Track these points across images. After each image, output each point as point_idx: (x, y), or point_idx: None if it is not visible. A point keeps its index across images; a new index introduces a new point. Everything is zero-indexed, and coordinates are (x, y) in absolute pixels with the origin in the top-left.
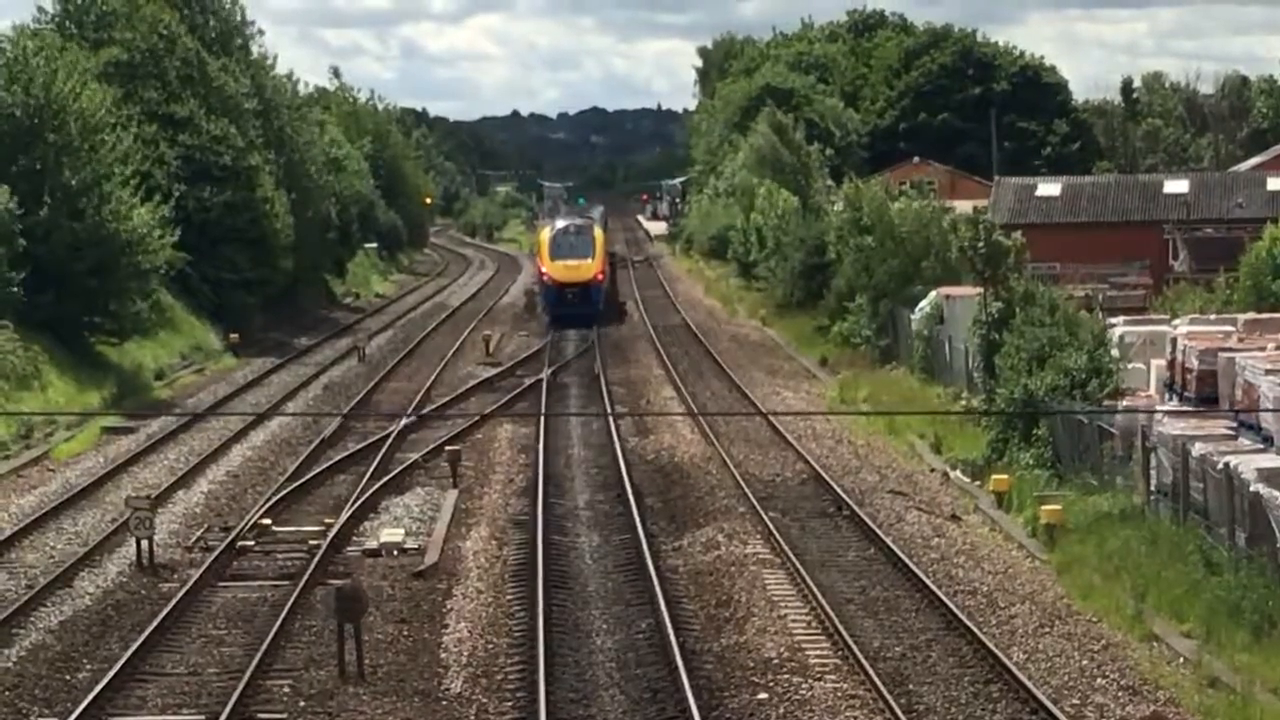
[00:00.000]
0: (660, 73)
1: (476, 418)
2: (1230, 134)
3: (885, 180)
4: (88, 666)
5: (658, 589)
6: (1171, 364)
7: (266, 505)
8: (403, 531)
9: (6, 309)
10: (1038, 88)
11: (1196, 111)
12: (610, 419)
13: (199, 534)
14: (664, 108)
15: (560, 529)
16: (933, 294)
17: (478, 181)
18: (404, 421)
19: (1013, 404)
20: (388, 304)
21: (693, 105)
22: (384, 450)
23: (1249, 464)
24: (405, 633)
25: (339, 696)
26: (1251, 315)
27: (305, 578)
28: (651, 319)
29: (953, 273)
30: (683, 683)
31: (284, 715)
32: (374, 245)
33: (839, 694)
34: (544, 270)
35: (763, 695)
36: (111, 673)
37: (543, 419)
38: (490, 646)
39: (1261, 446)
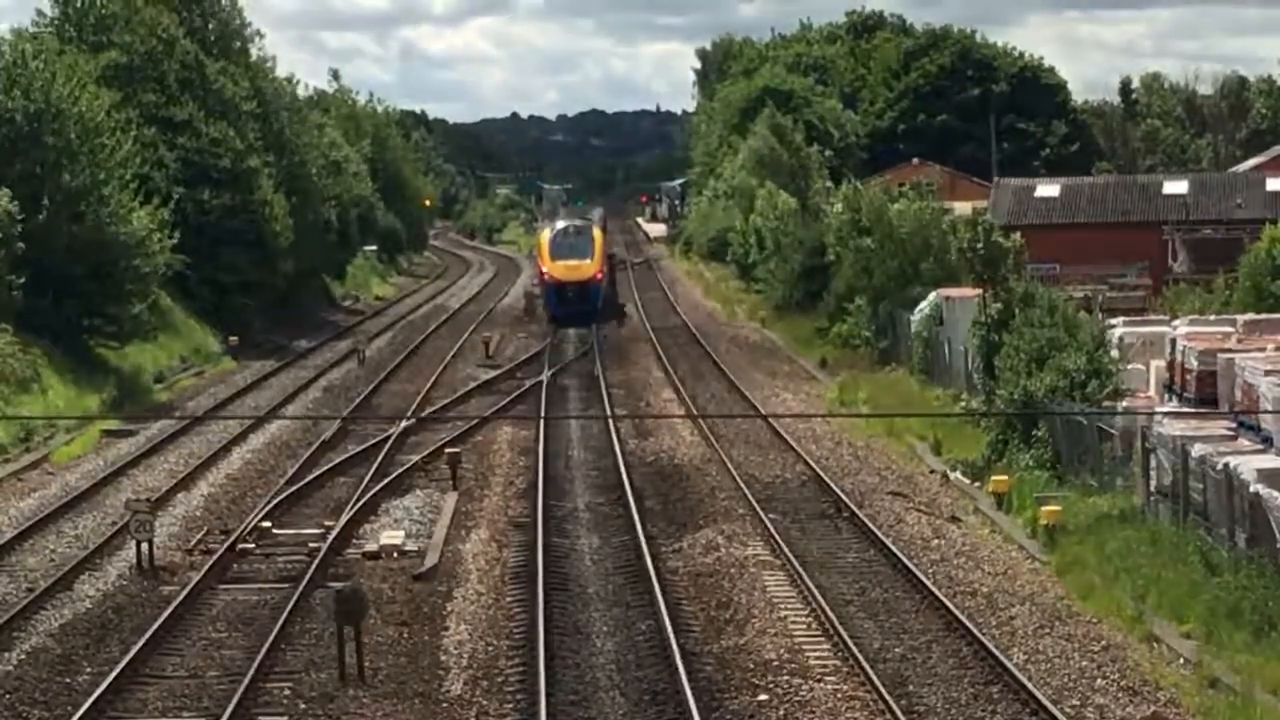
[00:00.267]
0: (659, 74)
1: (476, 420)
2: (1229, 135)
3: (884, 181)
4: (88, 670)
5: (658, 591)
6: (1171, 365)
7: (266, 508)
8: (403, 534)
9: (6, 312)
10: (1037, 89)
11: (1195, 112)
12: (610, 421)
13: (199, 537)
14: (663, 109)
15: (560, 531)
16: (932, 295)
17: (477, 184)
18: (403, 424)
19: (1012, 405)
20: (387, 306)
21: (692, 107)
22: (384, 453)
23: (1248, 465)
24: (405, 635)
25: (339, 699)
26: (1251, 316)
27: (305, 580)
28: (651, 321)
29: (952, 274)
30: (683, 684)
31: (284, 718)
32: (373, 248)
33: (839, 695)
34: (544, 270)
35: (763, 696)
36: (111, 676)
37: (542, 421)
38: (490, 649)
39: (1261, 447)
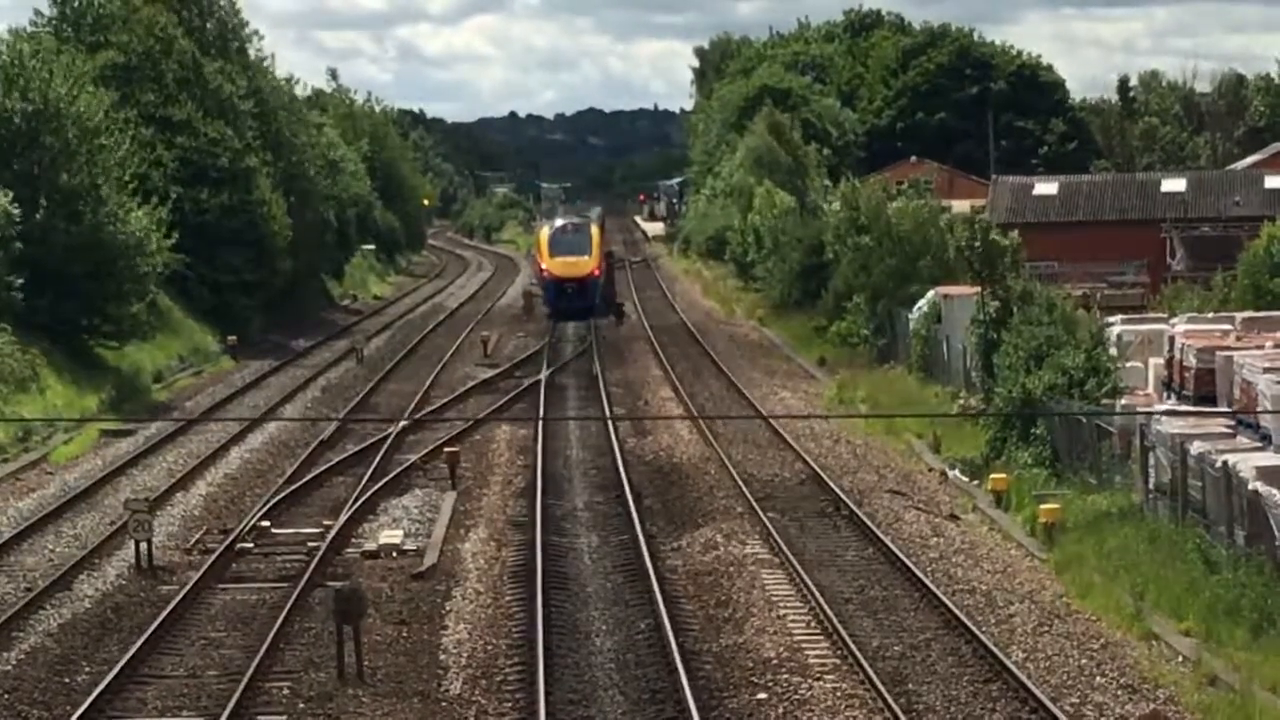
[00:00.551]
0: (657, 73)
1: (474, 420)
2: (1227, 132)
3: (883, 180)
4: (87, 669)
5: (656, 590)
6: (1169, 363)
7: (265, 507)
8: (401, 533)
9: (5, 312)
10: (1035, 87)
11: (1193, 110)
12: (609, 421)
13: (198, 536)
14: (661, 108)
15: (559, 530)
16: (930, 293)
17: (475, 183)
18: (401, 424)
19: (1011, 403)
20: (385, 306)
21: (690, 106)
22: (382, 452)
23: (1247, 462)
24: (404, 634)
25: (338, 698)
26: (1249, 314)
27: (304, 580)
28: (650, 320)
29: (950, 272)
30: (682, 683)
31: (283, 717)
32: (372, 247)
33: (838, 694)
34: (543, 266)
35: (762, 695)
36: (110, 675)
37: (541, 420)
38: (489, 648)
39: (1259, 445)
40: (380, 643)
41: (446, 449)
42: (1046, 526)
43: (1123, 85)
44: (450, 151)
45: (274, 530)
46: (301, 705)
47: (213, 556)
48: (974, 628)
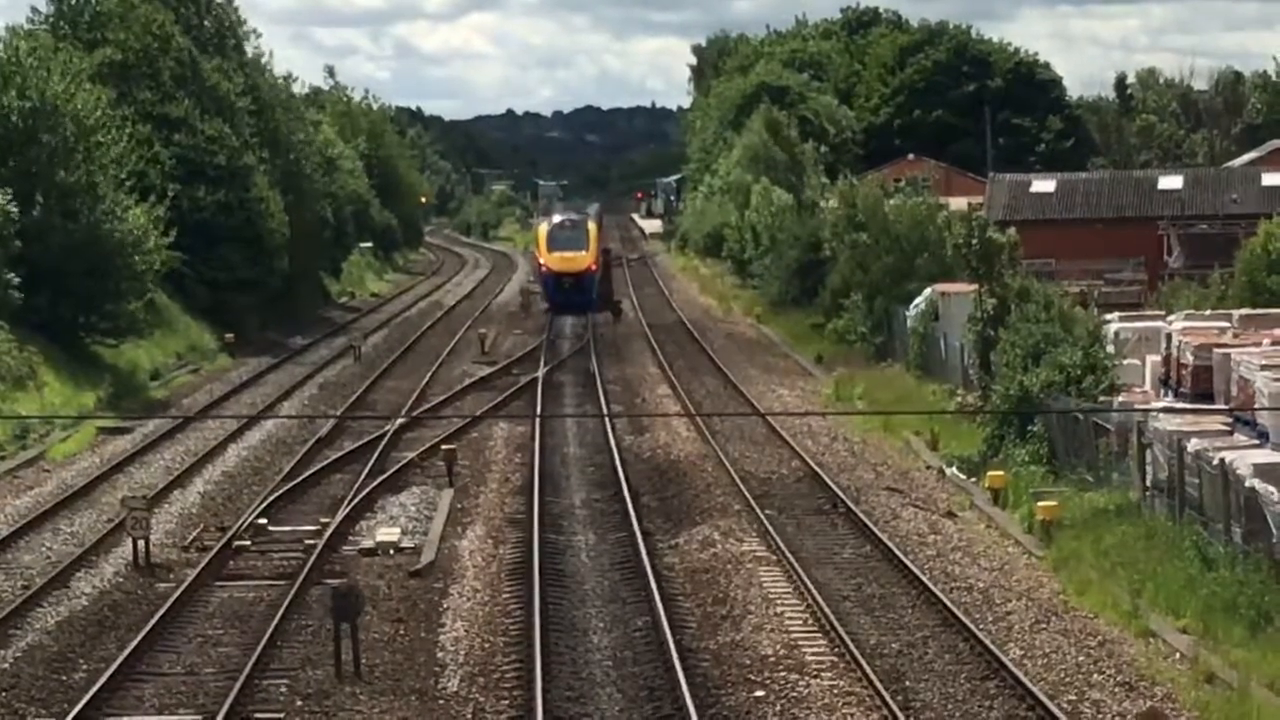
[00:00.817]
0: (655, 71)
1: (472, 417)
2: (1225, 130)
3: (880, 177)
4: (84, 666)
5: (654, 587)
6: (1167, 360)
7: (262, 505)
8: (399, 530)
9: (2, 310)
10: (1032, 84)
11: (1191, 107)
12: (606, 418)
13: (195, 534)
14: (658, 106)
15: (556, 527)
16: (928, 291)
17: (473, 180)
18: (399, 421)
19: (1008, 401)
20: (383, 303)
21: (687, 103)
22: (380, 449)
23: (1244, 459)
24: (402, 632)
25: (336, 696)
26: (1247, 311)
27: (301, 577)
28: (647, 317)
29: (948, 270)
30: (679, 680)
31: (281, 715)
32: (369, 245)
33: (835, 691)
34: (542, 261)
35: (759, 692)
36: (108, 673)
37: (538, 418)
38: (487, 645)
39: (1257, 442)
40: (378, 640)
41: (444, 446)
42: (1044, 524)
43: (1120, 83)
44: (447, 149)
45: (271, 528)
46: (299, 703)
47: (210, 554)
48: (971, 625)
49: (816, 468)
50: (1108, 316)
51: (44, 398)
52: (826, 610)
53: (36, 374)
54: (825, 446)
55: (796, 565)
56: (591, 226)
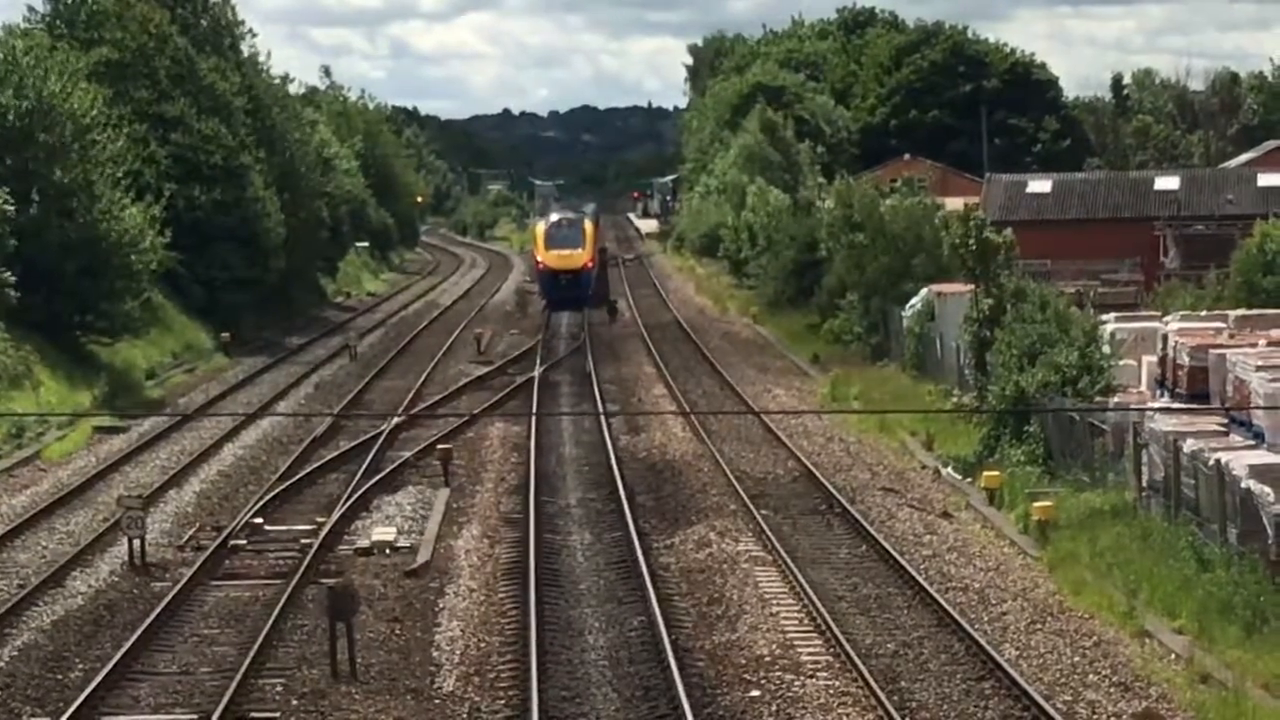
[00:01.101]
0: (651, 71)
1: (468, 416)
2: (1221, 130)
3: (876, 178)
4: (80, 666)
5: (649, 587)
6: (1163, 361)
7: (258, 504)
8: (394, 530)
9: None
10: (1028, 85)
11: (1187, 108)
12: (602, 418)
13: (191, 533)
14: (655, 106)
15: (552, 527)
16: (924, 291)
17: (469, 180)
18: (394, 420)
19: (1004, 401)
20: (379, 303)
21: (684, 103)
22: (375, 449)
23: (1240, 460)
24: (397, 631)
25: (331, 695)
26: (1242, 312)
27: (297, 576)
28: (643, 317)
29: (944, 270)
30: (675, 680)
31: (276, 714)
32: (365, 244)
33: (831, 691)
34: (539, 259)
35: (755, 692)
36: (104, 672)
37: (534, 417)
38: (483, 645)
39: (1252, 443)
40: (373, 640)
41: (440, 446)
42: (1039, 524)
43: (1116, 83)
44: (444, 149)
45: (267, 527)
46: (294, 702)
47: (206, 553)
48: (967, 625)
49: (812, 468)
50: (1104, 317)
51: (40, 397)
52: (822, 610)
53: (32, 373)
54: (821, 446)
55: (792, 565)
56: (588, 225)
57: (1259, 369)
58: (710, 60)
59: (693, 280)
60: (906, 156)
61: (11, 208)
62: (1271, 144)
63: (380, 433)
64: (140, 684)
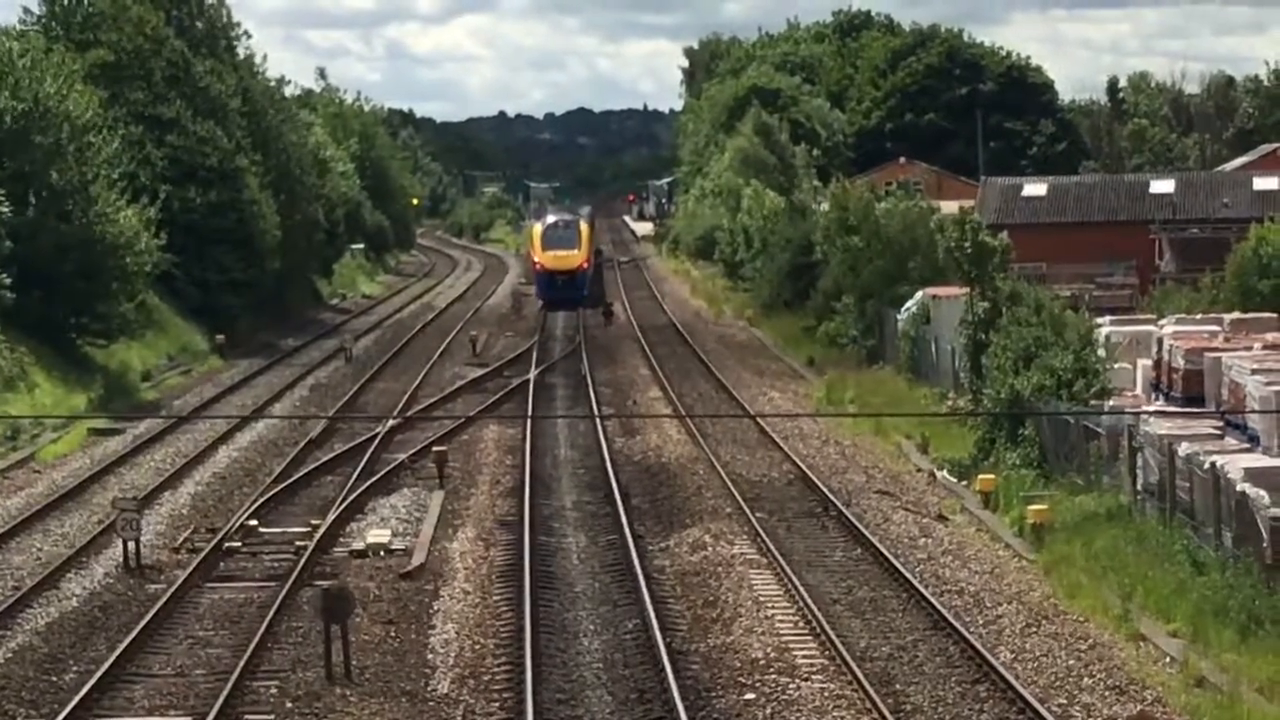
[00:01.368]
0: (646, 73)
1: (463, 419)
2: (1216, 134)
3: (871, 181)
4: (74, 668)
5: (644, 589)
6: (1158, 364)
7: (253, 506)
8: (389, 532)
9: None
10: (1024, 88)
11: (1182, 111)
12: (598, 420)
13: (185, 535)
14: (650, 108)
15: (547, 529)
16: (919, 294)
17: (464, 182)
18: (390, 422)
19: (999, 404)
20: (374, 305)
21: (679, 106)
22: (370, 451)
23: (1235, 464)
24: (392, 634)
25: (326, 697)
26: (1237, 315)
27: (292, 579)
28: (638, 320)
29: (939, 273)
30: (670, 683)
31: (271, 716)
32: (361, 246)
33: (826, 694)
34: (536, 260)
35: (750, 695)
36: (98, 674)
37: (529, 420)
38: (477, 647)
39: (1247, 446)
40: (368, 642)
41: (435, 448)
42: (1035, 527)
43: (1112, 86)
44: (439, 151)
45: (262, 529)
46: (289, 705)
47: (201, 555)
48: (962, 628)
49: (807, 470)
50: (1099, 320)
51: (35, 398)
52: (817, 613)
53: (28, 374)
54: (816, 449)
55: (787, 568)
56: (584, 227)
57: (1254, 372)
58: (706, 63)
59: (688, 283)
60: (902, 159)
61: (8, 209)
62: (1267, 147)
63: (375, 435)
64: (135, 686)
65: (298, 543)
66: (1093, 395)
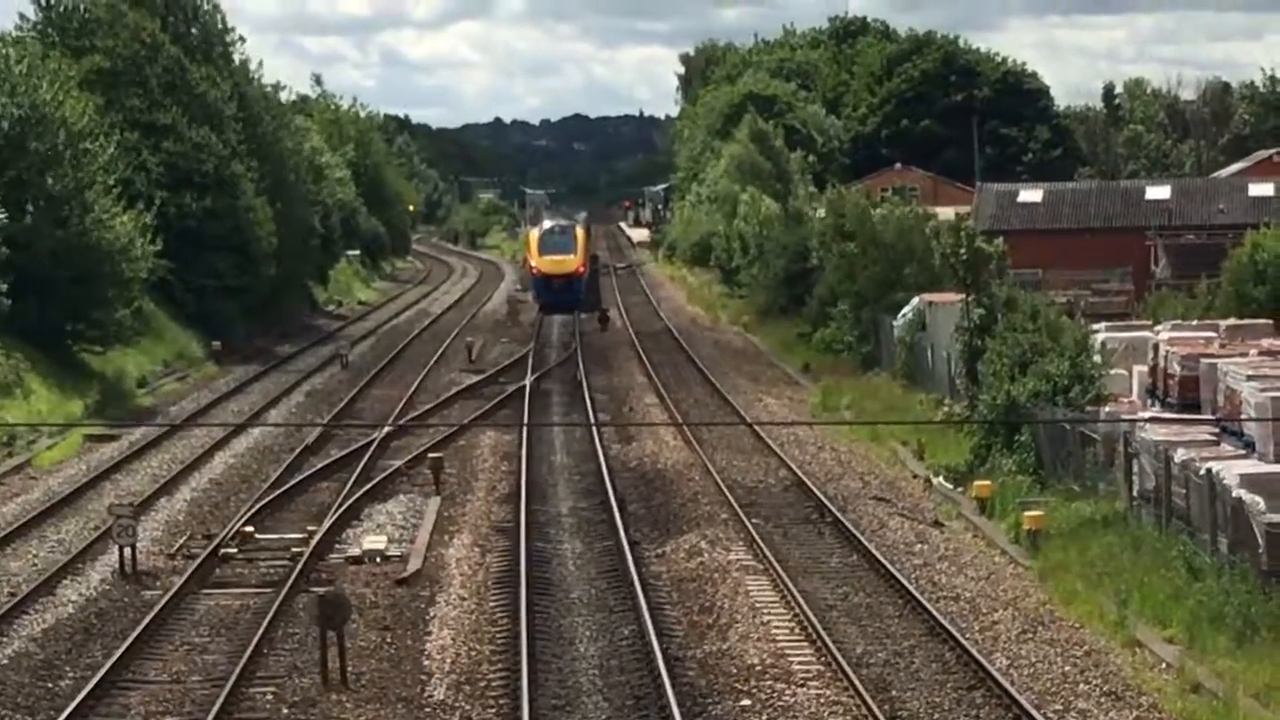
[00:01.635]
0: (642, 79)
1: (458, 426)
2: (1212, 140)
3: (867, 187)
4: (70, 674)
5: (640, 596)
6: (1153, 370)
7: (249, 513)
8: (385, 539)
9: None
10: (1019, 94)
11: (1178, 118)
12: (594, 427)
13: (181, 541)
14: (646, 114)
15: (543, 536)
16: (915, 300)
17: (460, 189)
18: (385, 430)
19: (995, 410)
20: (370, 311)
21: (675, 112)
22: (366, 458)
23: (1231, 470)
24: (388, 640)
25: (322, 704)
26: (1233, 321)
27: (288, 585)
28: (634, 326)
29: (935, 279)
30: (666, 689)
31: None
32: (356, 253)
33: (822, 700)
34: (533, 264)
35: (746, 701)
36: (94, 680)
37: (525, 428)
38: (473, 653)
39: (1243, 452)
40: (364, 648)
41: (431, 455)
42: (1030, 534)
43: (1107, 93)
44: (435, 157)
45: (258, 536)
46: (285, 711)
47: (196, 562)
48: (958, 635)
49: (804, 476)
50: (1095, 326)
51: (31, 405)
52: (813, 619)
53: (23, 381)
54: (812, 456)
55: (783, 574)
56: (580, 232)
57: (1250, 378)
58: (702, 69)
59: (684, 289)
60: (898, 166)
61: (3, 216)
62: (1262, 154)
63: (371, 441)
64: (131, 692)
65: (294, 549)
66: (1088, 401)
